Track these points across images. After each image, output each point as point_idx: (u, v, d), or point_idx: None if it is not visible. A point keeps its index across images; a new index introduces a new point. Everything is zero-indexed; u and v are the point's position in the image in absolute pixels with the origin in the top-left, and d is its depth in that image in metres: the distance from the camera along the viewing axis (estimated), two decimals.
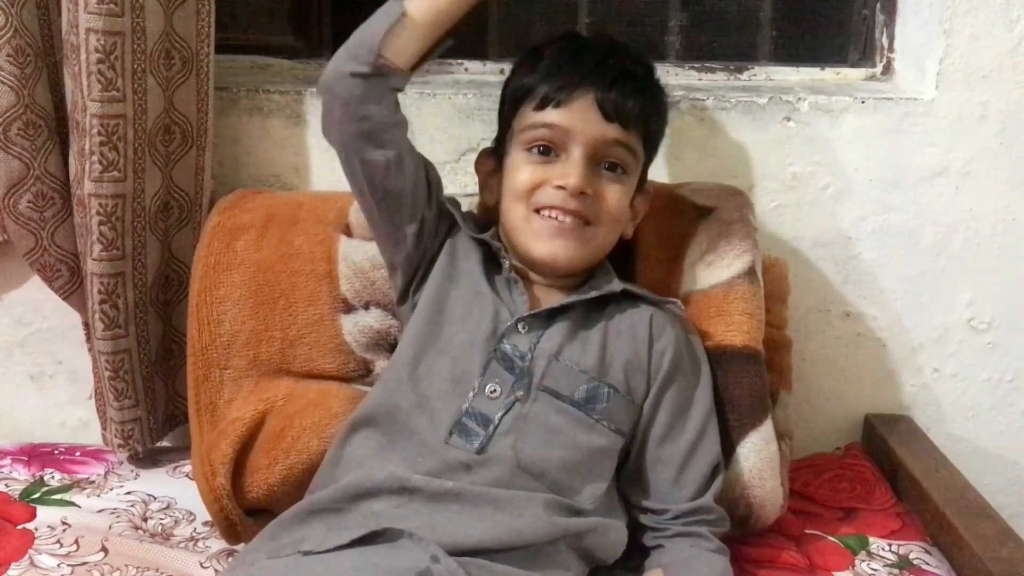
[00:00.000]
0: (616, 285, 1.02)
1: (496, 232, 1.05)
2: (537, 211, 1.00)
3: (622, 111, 0.99)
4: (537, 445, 0.94)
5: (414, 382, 0.97)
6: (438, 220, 1.04)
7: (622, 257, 1.11)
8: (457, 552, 0.86)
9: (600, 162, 1.00)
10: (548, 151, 1.00)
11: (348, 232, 1.14)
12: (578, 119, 0.98)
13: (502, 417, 0.95)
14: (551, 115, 0.99)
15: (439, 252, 1.04)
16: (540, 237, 1.00)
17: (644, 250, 1.13)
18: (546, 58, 1.03)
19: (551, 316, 1.00)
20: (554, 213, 0.99)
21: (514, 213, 1.02)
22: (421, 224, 1.02)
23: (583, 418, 0.97)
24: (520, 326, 0.98)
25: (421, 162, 1.04)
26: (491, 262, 1.03)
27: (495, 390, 0.96)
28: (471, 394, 0.95)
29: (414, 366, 0.98)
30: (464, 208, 1.12)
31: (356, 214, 1.14)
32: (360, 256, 1.12)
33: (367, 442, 0.96)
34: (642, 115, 1.01)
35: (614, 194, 1.01)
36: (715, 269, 1.10)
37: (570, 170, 0.98)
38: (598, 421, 0.97)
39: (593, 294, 1.01)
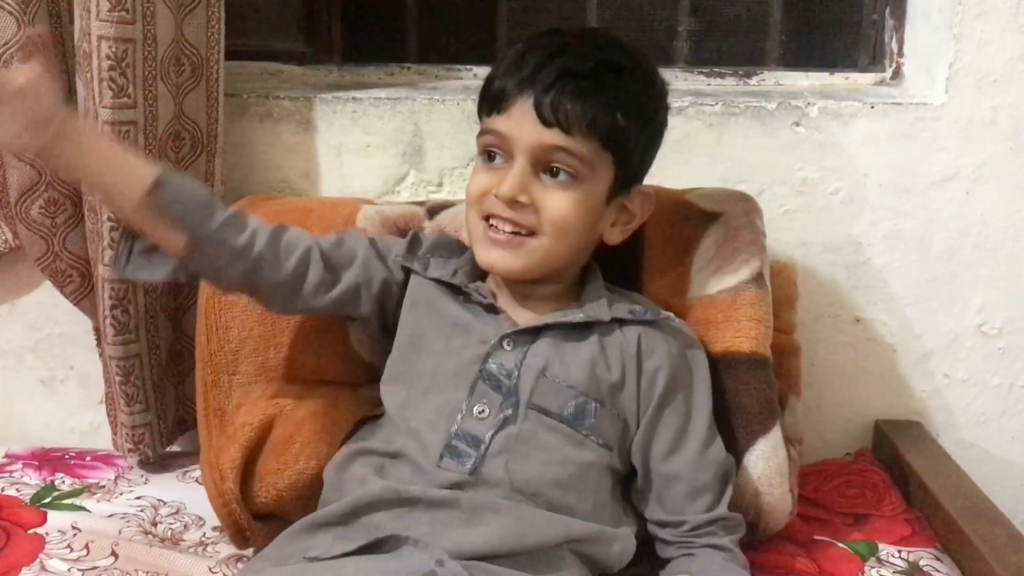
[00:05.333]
0: (604, 312, 0.99)
1: (469, 257, 1.02)
2: (485, 219, 0.97)
3: (560, 115, 0.92)
4: (530, 464, 0.93)
5: (402, 411, 0.97)
6: (392, 282, 1.03)
7: (628, 262, 1.11)
8: (460, 558, 0.87)
9: (545, 168, 0.95)
10: (494, 157, 0.97)
11: None
12: (516, 125, 0.94)
13: (493, 437, 0.93)
14: (494, 121, 0.96)
15: (403, 297, 1.02)
16: (483, 245, 0.98)
17: (651, 255, 1.12)
18: (504, 58, 0.99)
19: (536, 331, 0.98)
20: (493, 222, 0.96)
21: (468, 220, 1.00)
22: (380, 301, 1.03)
23: (572, 434, 0.96)
24: (505, 343, 0.97)
25: (323, 263, 0.99)
26: (462, 293, 1.01)
27: (483, 411, 0.95)
28: (459, 416, 0.94)
29: (401, 408, 0.98)
30: None
31: (364, 220, 1.14)
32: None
33: (365, 466, 0.96)
34: (585, 117, 0.93)
35: (557, 201, 0.94)
36: (722, 275, 1.09)
37: (505, 178, 0.94)
38: (587, 436, 0.96)
39: (580, 318, 0.98)
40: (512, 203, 0.94)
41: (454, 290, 1.01)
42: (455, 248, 1.07)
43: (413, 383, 0.98)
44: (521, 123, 0.94)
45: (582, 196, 0.96)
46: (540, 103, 0.93)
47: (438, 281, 1.01)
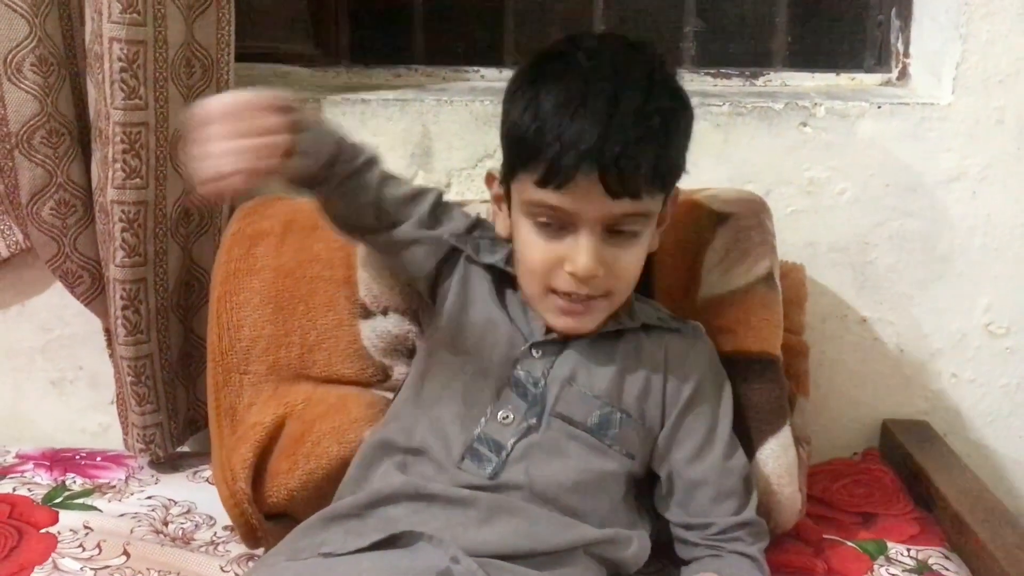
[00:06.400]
0: (636, 320, 1.00)
1: (510, 257, 1.00)
2: (553, 290, 0.95)
3: (630, 186, 0.88)
4: (550, 471, 0.93)
5: (427, 407, 0.97)
6: (445, 254, 1.02)
7: None
8: (475, 556, 0.87)
9: (610, 230, 0.92)
10: (549, 225, 0.92)
11: None
12: (582, 201, 0.89)
13: (515, 444, 0.94)
14: (553, 197, 0.89)
15: (452, 276, 1.01)
16: (555, 314, 0.96)
17: (661, 256, 1.12)
18: (543, 108, 0.89)
19: (565, 340, 0.98)
20: (569, 295, 0.93)
21: (529, 287, 0.97)
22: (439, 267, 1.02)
23: (596, 443, 0.96)
24: (534, 351, 0.97)
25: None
26: (505, 282, 1.01)
27: (507, 416, 0.95)
28: (483, 420, 0.95)
29: (427, 392, 0.98)
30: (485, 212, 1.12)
31: None
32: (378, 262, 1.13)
33: (388, 463, 0.96)
34: (655, 177, 0.90)
35: (627, 260, 0.94)
36: (733, 275, 1.10)
37: (579, 254, 0.90)
38: (610, 446, 0.96)
39: (611, 327, 0.98)
40: (591, 277, 0.92)
41: (501, 279, 1.00)
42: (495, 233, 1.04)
43: (439, 367, 0.98)
44: (587, 198, 0.89)
45: (644, 242, 0.96)
46: (608, 178, 0.88)
47: (489, 267, 1.00)
